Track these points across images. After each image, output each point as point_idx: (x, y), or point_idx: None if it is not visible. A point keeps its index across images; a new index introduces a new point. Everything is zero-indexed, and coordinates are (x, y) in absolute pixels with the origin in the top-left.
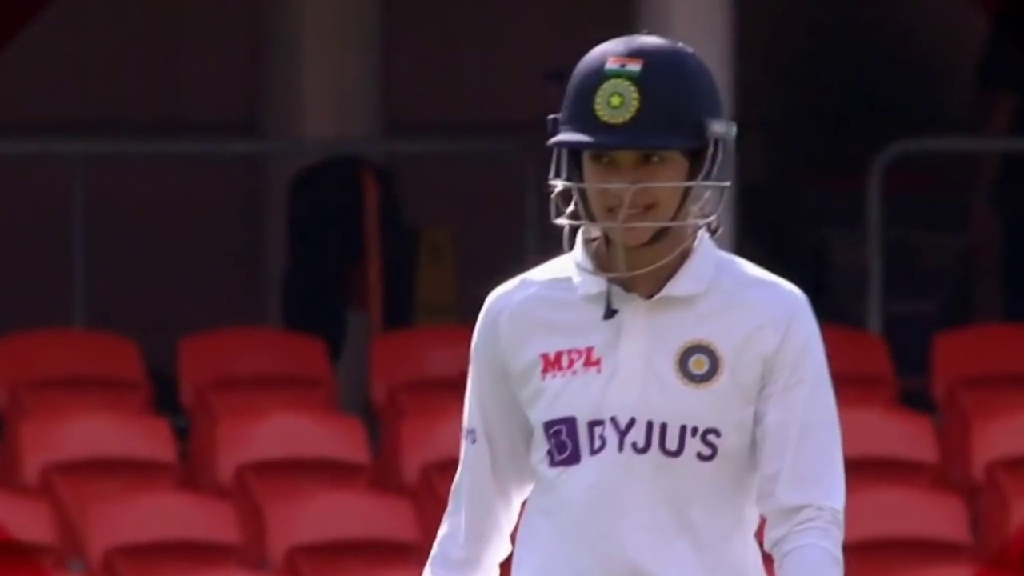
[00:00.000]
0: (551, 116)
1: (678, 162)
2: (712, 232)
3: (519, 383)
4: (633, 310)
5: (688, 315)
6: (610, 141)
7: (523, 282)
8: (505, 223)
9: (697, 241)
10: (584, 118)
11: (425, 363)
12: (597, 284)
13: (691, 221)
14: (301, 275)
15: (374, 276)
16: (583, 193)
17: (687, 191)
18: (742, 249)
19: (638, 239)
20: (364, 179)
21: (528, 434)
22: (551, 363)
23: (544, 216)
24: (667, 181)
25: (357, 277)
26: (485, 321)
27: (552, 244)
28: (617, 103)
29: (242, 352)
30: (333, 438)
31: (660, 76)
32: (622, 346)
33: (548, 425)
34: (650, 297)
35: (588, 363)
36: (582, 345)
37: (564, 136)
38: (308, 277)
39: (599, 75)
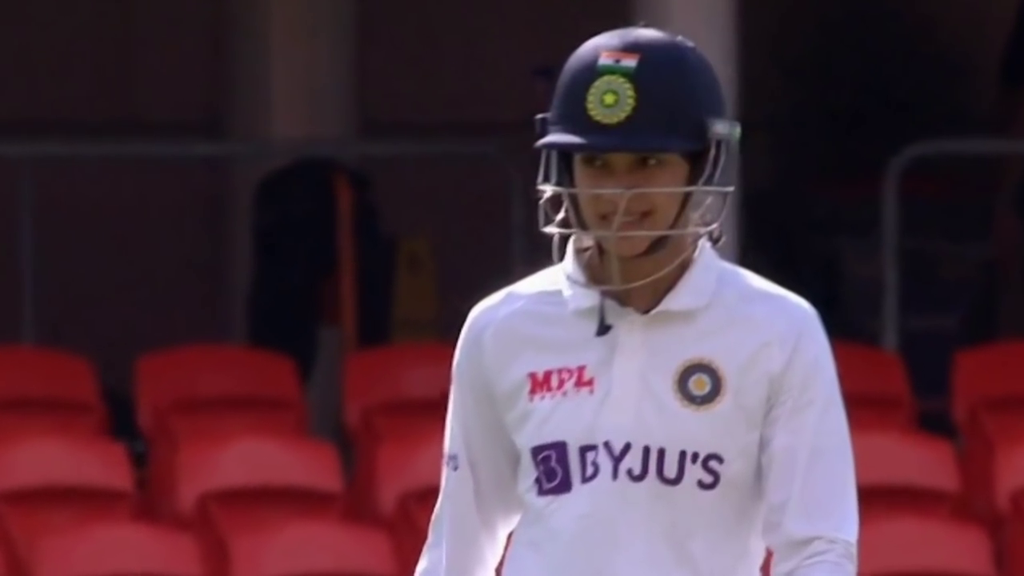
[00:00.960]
0: (539, 116)
1: (677, 165)
2: (714, 241)
3: (505, 405)
4: (628, 326)
5: (688, 331)
6: (603, 143)
7: (509, 296)
8: (489, 231)
9: (698, 251)
10: (575, 118)
11: (403, 383)
12: (589, 298)
13: (691, 229)
14: (268, 288)
15: (347, 289)
16: (574, 199)
17: (687, 197)
18: (747, 260)
19: (634, 249)
20: (337, 184)
21: (515, 460)
22: (539, 383)
23: (532, 224)
24: (665, 186)
25: (329, 290)
26: (468, 338)
27: (541, 254)
28: (611, 101)
29: (204, 371)
30: (303, 465)
31: (658, 72)
32: (616, 365)
33: (536, 451)
34: (647, 312)
35: (580, 383)
36: (573, 364)
37: (553, 137)
38: (276, 290)
39: (592, 71)
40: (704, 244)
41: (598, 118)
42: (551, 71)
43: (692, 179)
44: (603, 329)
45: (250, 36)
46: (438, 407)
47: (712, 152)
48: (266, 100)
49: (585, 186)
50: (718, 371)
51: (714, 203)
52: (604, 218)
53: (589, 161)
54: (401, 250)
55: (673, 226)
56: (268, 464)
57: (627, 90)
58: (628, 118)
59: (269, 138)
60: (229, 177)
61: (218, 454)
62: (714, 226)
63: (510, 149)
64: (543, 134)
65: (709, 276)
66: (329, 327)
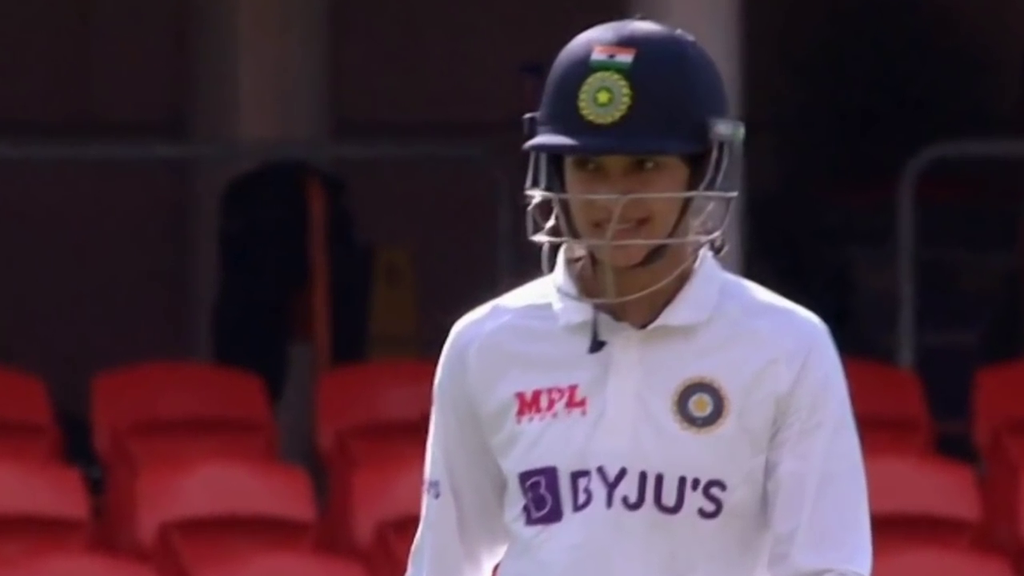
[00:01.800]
0: (528, 115)
1: (676, 169)
2: (716, 251)
3: (490, 427)
4: (624, 342)
5: (688, 348)
6: (597, 144)
7: (495, 309)
8: (474, 240)
9: (698, 261)
10: (566, 117)
11: (380, 404)
12: (581, 312)
13: (692, 238)
14: (235, 301)
15: (320, 302)
16: (565, 205)
17: (687, 203)
18: (751, 271)
19: (629, 259)
20: (309, 188)
21: (501, 487)
22: (527, 404)
23: (519, 232)
24: (663, 191)
25: (301, 303)
26: (450, 355)
27: (529, 264)
28: (605, 100)
29: (166, 391)
30: (272, 492)
31: (655, 68)
32: (611, 384)
33: (524, 476)
34: (643, 327)
35: (571, 404)
36: (564, 383)
37: (542, 138)
38: (244, 303)
39: (584, 67)
40: (705, 254)
41: (591, 118)
42: (540, 67)
43: (692, 184)
44: (596, 345)
45: (216, 30)
46: (418, 430)
47: (714, 154)
48: (233, 98)
49: (577, 191)
50: (720, 391)
51: (716, 209)
52: (597, 226)
53: (581, 164)
54: (378, 260)
55: (672, 234)
56: (235, 491)
57: (622, 88)
58: (623, 118)
59: (236, 139)
60: (193, 181)
61: (181, 480)
62: (716, 234)
63: (496, 151)
64: (532, 135)
65: (711, 288)
66: (301, 343)
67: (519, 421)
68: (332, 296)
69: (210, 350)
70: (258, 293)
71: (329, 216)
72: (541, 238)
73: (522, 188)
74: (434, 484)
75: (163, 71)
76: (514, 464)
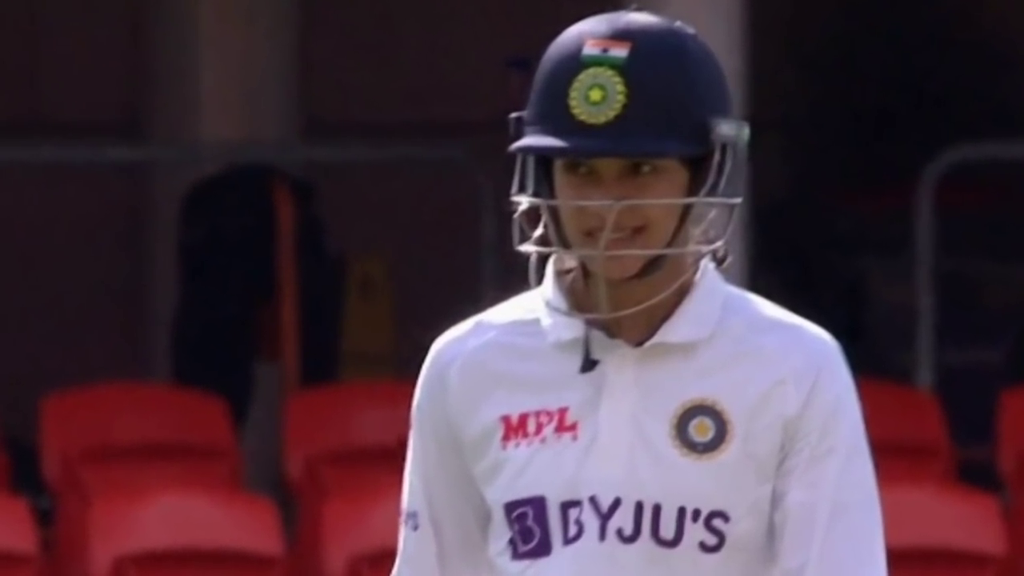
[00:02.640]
0: (514, 114)
1: (675, 173)
2: (719, 262)
3: (473, 453)
4: (618, 361)
5: (688, 367)
6: (589, 146)
7: (478, 325)
8: (455, 250)
9: (699, 273)
10: (556, 117)
11: (353, 428)
12: (572, 328)
13: (692, 248)
14: (196, 316)
15: (289, 317)
16: (554, 212)
17: (686, 210)
18: (757, 283)
19: (624, 270)
20: (276, 194)
21: (484, 518)
22: (514, 428)
23: (505, 241)
24: (661, 197)
25: (267, 319)
26: (430, 375)
27: (516, 276)
28: (598, 98)
29: (121, 414)
30: (237, 523)
31: (652, 64)
32: (604, 406)
33: (510, 507)
34: (640, 344)
35: (561, 428)
36: (553, 405)
37: (530, 140)
38: (205, 319)
39: (575, 62)
40: (707, 265)
41: (582, 117)
42: (528, 62)
43: (693, 189)
44: (588, 364)
45: (175, 21)
46: (394, 456)
47: (716, 157)
48: (194, 96)
49: (567, 197)
50: (723, 414)
51: (718, 217)
52: (589, 234)
53: (572, 168)
54: (352, 272)
55: (670, 244)
56: (196, 523)
57: (616, 84)
58: (618, 117)
59: (197, 141)
60: (151, 186)
61: (137, 511)
62: (719, 244)
63: (479, 153)
64: (518, 136)
65: (713, 302)
66: (268, 362)
67: (504, 447)
68: (301, 311)
69: (169, 370)
70: (221, 308)
71: (298, 224)
72: (528, 248)
73: (508, 193)
74: (412, 515)
75: (117, 67)
76: (499, 494)
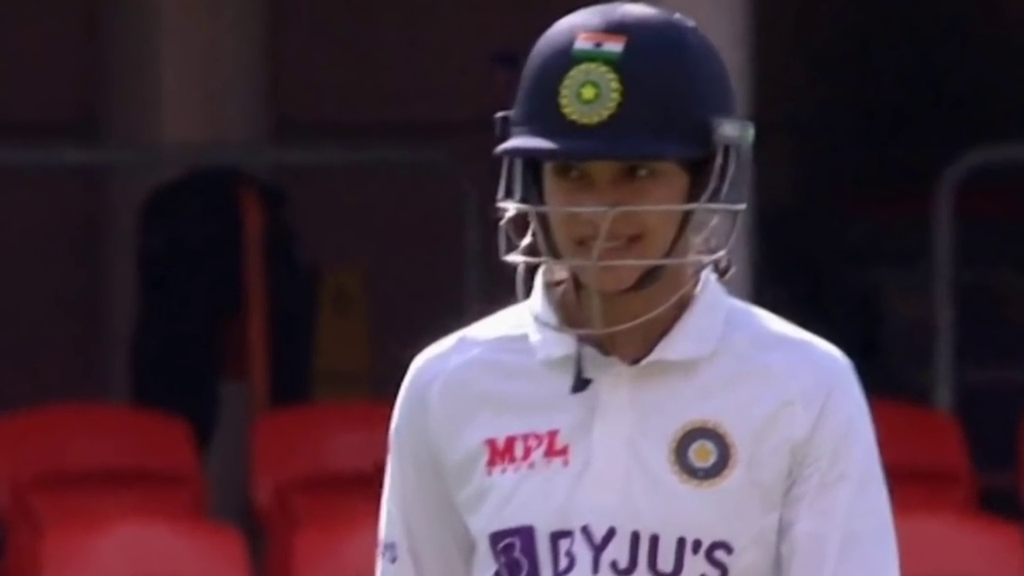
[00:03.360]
0: (500, 114)
1: (674, 177)
2: (721, 273)
3: (456, 480)
4: (612, 380)
5: (688, 387)
6: (581, 148)
7: (461, 342)
8: (437, 260)
9: (700, 286)
10: (545, 116)
11: (326, 452)
12: (563, 344)
13: (692, 258)
14: (157, 332)
15: (257, 333)
16: (543, 219)
17: (686, 217)
18: (763, 297)
19: (619, 282)
20: (244, 200)
21: (468, 549)
22: (500, 453)
23: (491, 251)
24: (659, 202)
25: (234, 334)
26: (409, 395)
27: (502, 288)
28: (590, 96)
29: (76, 437)
30: (201, 554)
31: (649, 59)
32: (597, 429)
33: (496, 537)
34: (636, 362)
35: (551, 453)
36: (542, 428)
37: (517, 141)
38: (167, 334)
39: (566, 58)
40: (708, 277)
41: (574, 117)
42: (515, 57)
43: (693, 194)
44: (580, 384)
45: (134, 14)
46: (371, 482)
47: (718, 160)
48: (154, 96)
49: (558, 203)
50: (726, 437)
51: (721, 224)
52: (582, 243)
53: (563, 171)
54: (325, 284)
55: (669, 254)
56: (157, 554)
57: (610, 81)
58: (612, 117)
59: (158, 143)
60: (108, 192)
61: (93, 541)
62: (721, 254)
63: (463, 156)
64: (505, 137)
65: (715, 317)
66: (234, 381)
67: (490, 473)
68: (271, 326)
69: (128, 389)
70: (184, 322)
71: (267, 232)
72: (516, 258)
73: (493, 199)
74: (390, 546)
75: (72, 62)
76: (484, 523)
